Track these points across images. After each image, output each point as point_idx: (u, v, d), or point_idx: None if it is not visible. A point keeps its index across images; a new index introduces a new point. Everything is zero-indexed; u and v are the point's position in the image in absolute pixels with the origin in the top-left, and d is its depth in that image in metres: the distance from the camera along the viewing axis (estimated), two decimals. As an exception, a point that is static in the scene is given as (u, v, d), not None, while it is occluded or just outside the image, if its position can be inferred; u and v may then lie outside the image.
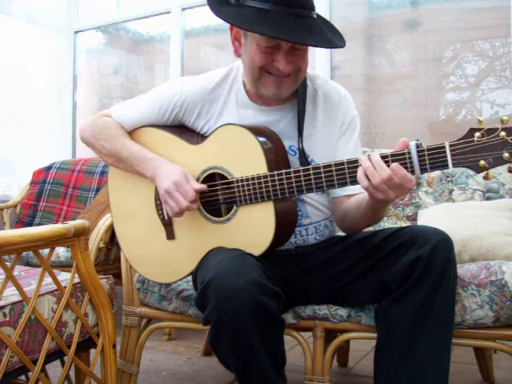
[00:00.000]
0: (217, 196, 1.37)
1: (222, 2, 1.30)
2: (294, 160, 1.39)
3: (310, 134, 1.42)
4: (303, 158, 1.37)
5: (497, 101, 2.62)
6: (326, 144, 1.44)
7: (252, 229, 1.31)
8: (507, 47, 2.58)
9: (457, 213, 1.80)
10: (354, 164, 1.20)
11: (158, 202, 1.45)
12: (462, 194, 1.97)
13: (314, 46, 1.30)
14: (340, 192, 1.42)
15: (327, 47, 1.33)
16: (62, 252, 2.37)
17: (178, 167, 1.36)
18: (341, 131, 1.45)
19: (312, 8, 1.27)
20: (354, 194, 1.38)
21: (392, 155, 1.15)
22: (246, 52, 1.34)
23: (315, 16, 1.29)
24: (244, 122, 1.37)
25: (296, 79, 1.34)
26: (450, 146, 1.10)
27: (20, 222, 2.98)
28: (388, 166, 1.14)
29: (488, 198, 1.95)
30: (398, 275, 1.26)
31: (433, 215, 1.85)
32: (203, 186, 1.35)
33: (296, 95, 1.41)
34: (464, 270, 1.39)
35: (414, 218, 2.01)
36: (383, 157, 1.16)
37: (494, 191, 1.96)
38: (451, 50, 2.77)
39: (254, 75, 1.34)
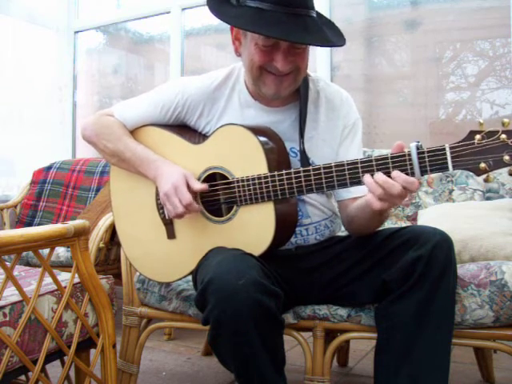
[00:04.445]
0: (217, 196, 1.37)
1: (222, 2, 1.30)
2: (295, 162, 1.39)
3: (312, 136, 1.42)
4: (304, 160, 1.37)
5: (497, 101, 2.62)
6: (327, 146, 1.44)
7: (252, 229, 1.31)
8: (507, 47, 2.58)
9: (457, 213, 1.80)
10: (354, 165, 1.19)
11: (159, 202, 1.45)
12: (461, 193, 1.97)
13: (311, 44, 1.30)
14: (345, 195, 1.42)
15: (325, 46, 1.33)
16: (62, 252, 2.37)
17: (178, 169, 1.36)
18: (343, 134, 1.45)
19: (311, 7, 1.27)
20: (359, 197, 1.38)
21: (392, 157, 1.15)
22: (246, 51, 1.34)
23: (314, 15, 1.28)
24: (246, 122, 1.37)
25: (296, 78, 1.34)
26: (451, 148, 1.10)
27: (20, 222, 2.98)
28: (388, 172, 1.14)
29: (488, 198, 1.95)
30: (398, 275, 1.26)
31: (433, 215, 1.85)
32: (204, 186, 1.35)
33: (298, 97, 1.41)
34: (464, 270, 1.39)
35: (414, 218, 2.01)
36: (383, 159, 1.16)
37: (494, 191, 1.96)
38: (451, 50, 2.77)
39: (253, 74, 1.34)
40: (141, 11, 3.48)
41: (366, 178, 1.16)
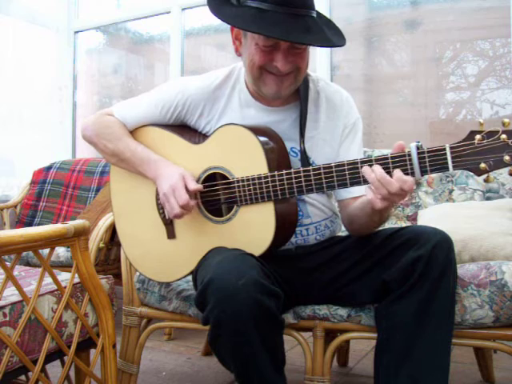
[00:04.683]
0: (218, 196, 1.37)
1: (222, 2, 1.31)
2: (296, 161, 1.39)
3: (312, 136, 1.42)
4: (304, 160, 1.37)
5: (497, 101, 2.62)
6: (328, 146, 1.44)
7: (252, 229, 1.31)
8: (507, 47, 2.58)
9: (457, 213, 1.80)
10: (354, 165, 1.20)
11: (159, 202, 1.45)
12: (461, 193, 1.97)
13: (311, 44, 1.30)
14: (345, 194, 1.42)
15: (325, 46, 1.33)
16: (62, 252, 2.37)
17: (177, 170, 1.36)
18: (343, 134, 1.45)
19: (311, 7, 1.27)
20: (359, 196, 1.38)
21: (392, 157, 1.15)
22: (246, 51, 1.34)
23: (315, 15, 1.29)
24: (246, 121, 1.37)
25: (296, 78, 1.35)
26: (451, 148, 1.10)
27: (20, 222, 2.98)
28: (389, 172, 1.14)
29: (488, 198, 1.95)
30: (398, 275, 1.26)
31: (433, 215, 1.85)
32: (199, 187, 1.35)
33: (298, 97, 1.41)
34: (464, 270, 1.39)
35: (414, 217, 2.01)
36: (383, 158, 1.16)
37: (494, 191, 1.96)
38: (451, 50, 2.77)
39: (254, 74, 1.34)
40: (141, 11, 3.48)
41: (369, 174, 1.15)
